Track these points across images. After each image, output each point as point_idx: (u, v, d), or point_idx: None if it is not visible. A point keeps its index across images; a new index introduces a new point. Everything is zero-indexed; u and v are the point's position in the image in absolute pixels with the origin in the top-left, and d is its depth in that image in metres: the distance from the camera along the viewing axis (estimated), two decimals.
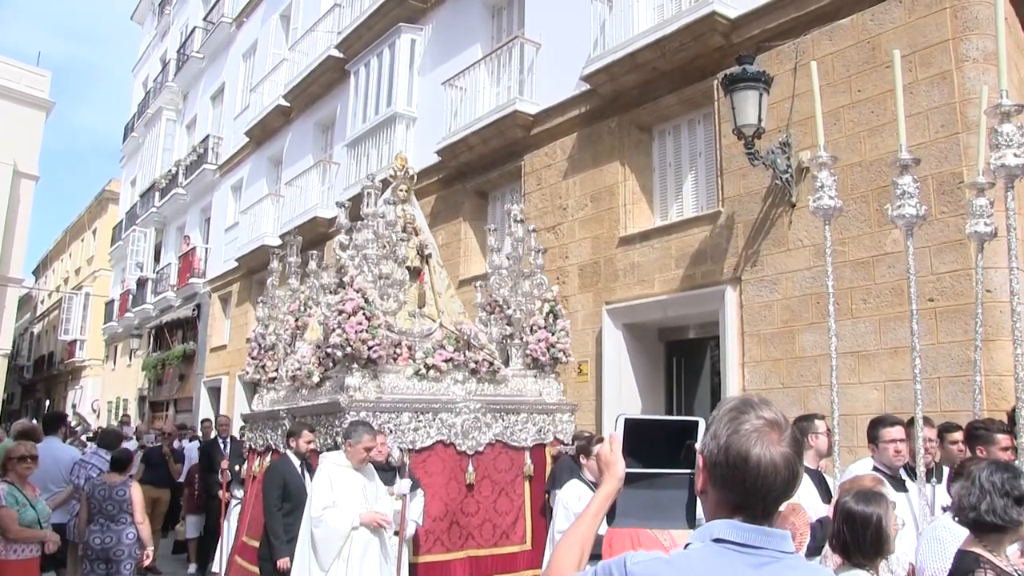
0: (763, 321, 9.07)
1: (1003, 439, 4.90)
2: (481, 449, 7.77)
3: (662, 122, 11.16)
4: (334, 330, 7.28)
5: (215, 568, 10.23)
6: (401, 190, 9.29)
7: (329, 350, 7.46)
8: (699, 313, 10.13)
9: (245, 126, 22.42)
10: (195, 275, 25.10)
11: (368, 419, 7.17)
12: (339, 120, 18.49)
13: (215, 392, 23.24)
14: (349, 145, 16.89)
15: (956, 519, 3.45)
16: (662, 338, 11.22)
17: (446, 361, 7.89)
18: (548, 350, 8.43)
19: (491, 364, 8.13)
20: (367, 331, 7.28)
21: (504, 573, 7.67)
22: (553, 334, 8.45)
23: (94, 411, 35.41)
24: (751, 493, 1.79)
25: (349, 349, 7.25)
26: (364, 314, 7.30)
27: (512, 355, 8.59)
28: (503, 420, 7.98)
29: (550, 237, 11.67)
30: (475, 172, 13.85)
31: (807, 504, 5.14)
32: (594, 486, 6.46)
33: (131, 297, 30.70)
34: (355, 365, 7.37)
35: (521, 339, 8.55)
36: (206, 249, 25.45)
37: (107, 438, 9.82)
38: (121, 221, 34.81)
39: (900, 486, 4.89)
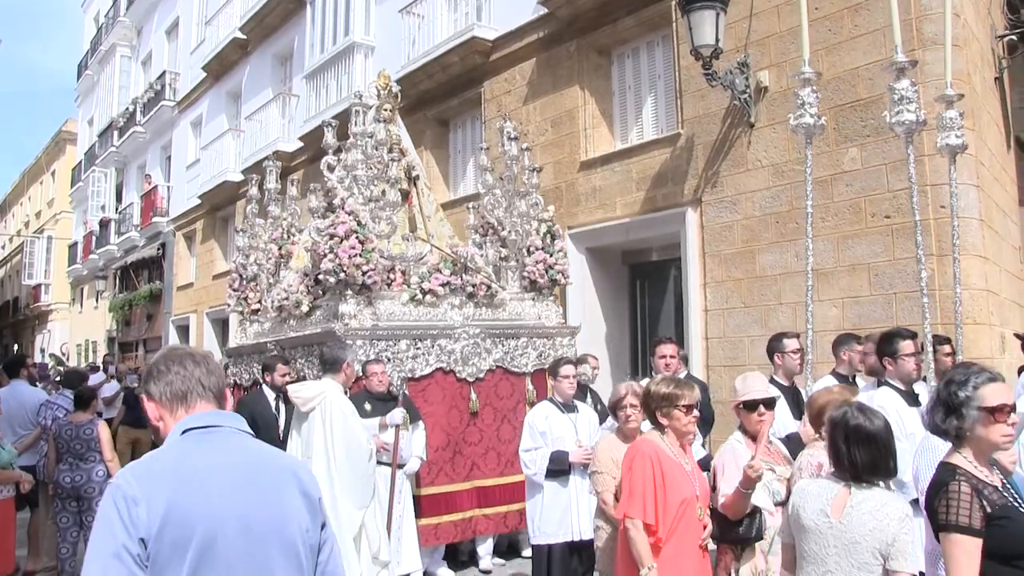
0: (724, 242, 9.14)
1: None
2: (482, 376, 7.58)
3: (620, 45, 11.06)
4: (325, 255, 6.99)
5: None
6: (385, 109, 8.93)
7: (320, 277, 7.19)
8: (661, 235, 10.18)
9: (202, 60, 21.98)
10: (158, 214, 24.81)
11: (365, 347, 6.93)
12: (297, 51, 18.13)
13: (184, 330, 23.16)
14: (308, 77, 16.63)
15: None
16: (625, 261, 11.28)
17: (443, 285, 7.64)
18: (547, 272, 8.23)
19: (489, 288, 7.93)
20: (361, 255, 6.99)
21: (512, 503, 7.45)
22: (551, 255, 8.24)
23: (63, 354, 35.20)
24: (189, 391, 2.20)
25: (342, 275, 6.97)
26: (357, 238, 6.99)
27: (508, 278, 8.35)
28: (503, 345, 7.78)
29: None
30: (435, 100, 13.70)
31: (778, 420, 5.18)
32: (563, 407, 6.53)
33: (94, 239, 30.32)
34: (349, 292, 7.11)
35: (518, 261, 8.33)
36: (168, 187, 25.08)
37: (70, 378, 9.75)
38: (80, 162, 34.15)
39: (914, 401, 4.71)
